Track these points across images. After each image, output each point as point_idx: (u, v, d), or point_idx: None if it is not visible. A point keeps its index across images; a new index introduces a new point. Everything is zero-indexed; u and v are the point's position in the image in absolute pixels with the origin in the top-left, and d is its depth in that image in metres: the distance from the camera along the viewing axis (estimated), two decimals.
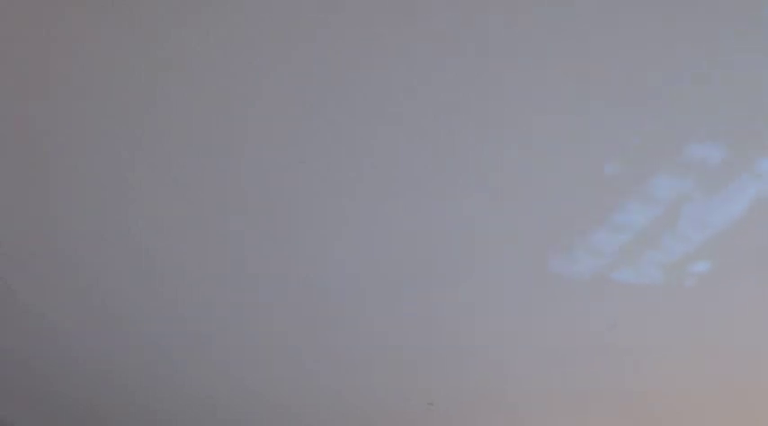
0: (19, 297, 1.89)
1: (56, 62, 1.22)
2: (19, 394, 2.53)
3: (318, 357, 2.15)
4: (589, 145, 1.34)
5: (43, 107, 1.31)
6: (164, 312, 1.95)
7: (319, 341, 2.06)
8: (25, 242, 1.68)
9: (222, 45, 1.18)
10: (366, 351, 2.10)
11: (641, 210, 1.50)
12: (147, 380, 2.39)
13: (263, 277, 1.76)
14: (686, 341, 1.99)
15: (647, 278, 1.71)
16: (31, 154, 1.42)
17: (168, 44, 1.18)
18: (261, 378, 2.34)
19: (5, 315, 1.99)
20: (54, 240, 1.67)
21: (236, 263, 1.72)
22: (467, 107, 1.27)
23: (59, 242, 1.67)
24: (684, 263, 1.65)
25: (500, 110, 1.27)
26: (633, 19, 1.12)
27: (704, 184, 1.42)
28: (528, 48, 1.16)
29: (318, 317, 1.94)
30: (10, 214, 1.59)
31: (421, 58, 1.18)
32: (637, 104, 1.25)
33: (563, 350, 2.05)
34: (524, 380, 2.25)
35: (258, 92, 1.25)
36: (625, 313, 1.86)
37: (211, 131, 1.34)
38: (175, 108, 1.30)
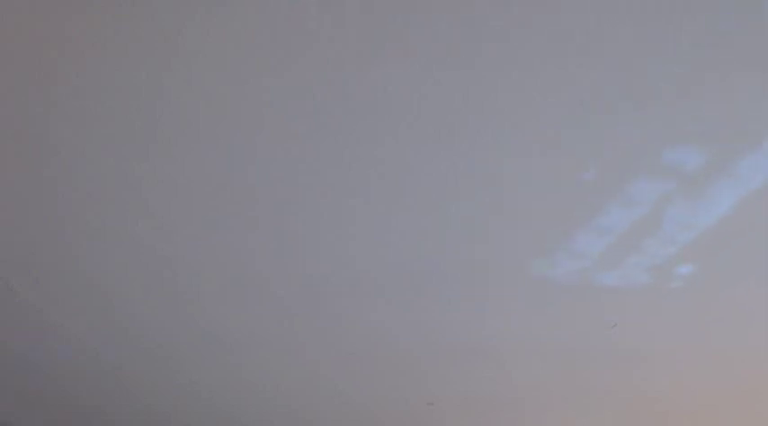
0: (19, 297, 1.89)
1: (56, 62, 1.21)
2: (19, 394, 2.53)
3: (320, 356, 2.16)
4: (573, 148, 1.34)
5: (43, 107, 1.31)
6: (165, 312, 1.95)
7: (320, 340, 2.06)
8: (25, 242, 1.68)
9: (223, 45, 1.18)
10: (367, 351, 2.10)
11: (623, 213, 1.50)
12: (148, 380, 2.39)
13: (266, 276, 1.76)
14: (676, 343, 1.99)
15: (634, 281, 1.72)
16: (31, 154, 1.42)
17: (173, 44, 1.18)
18: (262, 378, 2.34)
19: (5, 315, 1.99)
20: (54, 240, 1.67)
21: (241, 263, 1.72)
22: (457, 112, 1.27)
23: (59, 242, 1.67)
24: (670, 266, 1.66)
25: (483, 116, 1.27)
26: (613, 25, 1.12)
27: (685, 187, 1.42)
28: (514, 55, 1.16)
29: (320, 317, 1.94)
30: (10, 214, 1.59)
31: (425, 60, 1.18)
32: (617, 108, 1.25)
33: (562, 351, 2.05)
34: (524, 380, 2.26)
35: (269, 91, 1.25)
36: (616, 315, 1.87)
37: (219, 130, 1.34)
38: (182, 107, 1.29)
